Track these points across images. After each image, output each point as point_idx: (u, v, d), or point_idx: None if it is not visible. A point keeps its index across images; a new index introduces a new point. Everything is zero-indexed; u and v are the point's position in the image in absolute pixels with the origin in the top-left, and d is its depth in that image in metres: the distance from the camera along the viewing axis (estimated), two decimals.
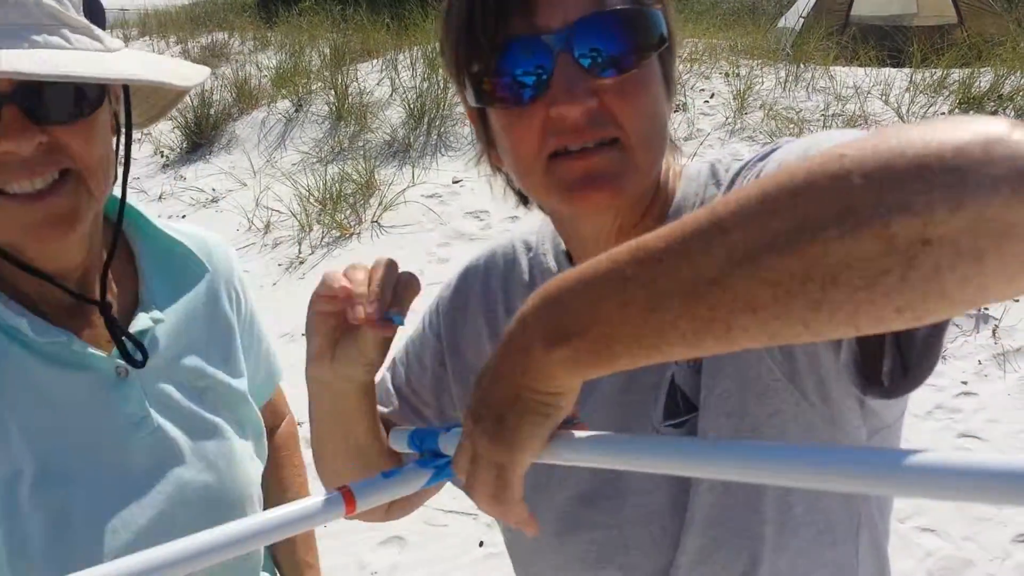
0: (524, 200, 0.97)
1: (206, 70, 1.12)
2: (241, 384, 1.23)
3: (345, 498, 0.74)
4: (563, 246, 1.00)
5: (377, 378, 1.09)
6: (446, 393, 1.09)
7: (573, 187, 0.81)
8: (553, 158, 0.80)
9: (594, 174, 0.80)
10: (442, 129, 7.64)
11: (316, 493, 0.77)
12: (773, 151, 0.81)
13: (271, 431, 1.40)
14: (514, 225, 5.84)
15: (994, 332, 4.31)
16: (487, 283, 1.06)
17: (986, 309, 4.45)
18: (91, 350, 1.05)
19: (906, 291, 0.46)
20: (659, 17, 0.80)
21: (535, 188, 0.85)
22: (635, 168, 0.81)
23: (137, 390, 1.07)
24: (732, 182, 0.87)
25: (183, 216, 7.20)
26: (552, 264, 0.99)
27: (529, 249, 1.04)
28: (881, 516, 0.91)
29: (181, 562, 0.65)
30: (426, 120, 7.76)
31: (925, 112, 6.59)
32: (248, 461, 1.20)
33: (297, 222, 6.50)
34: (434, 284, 4.54)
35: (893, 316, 0.47)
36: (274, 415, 1.46)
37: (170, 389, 1.12)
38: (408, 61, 9.14)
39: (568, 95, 0.76)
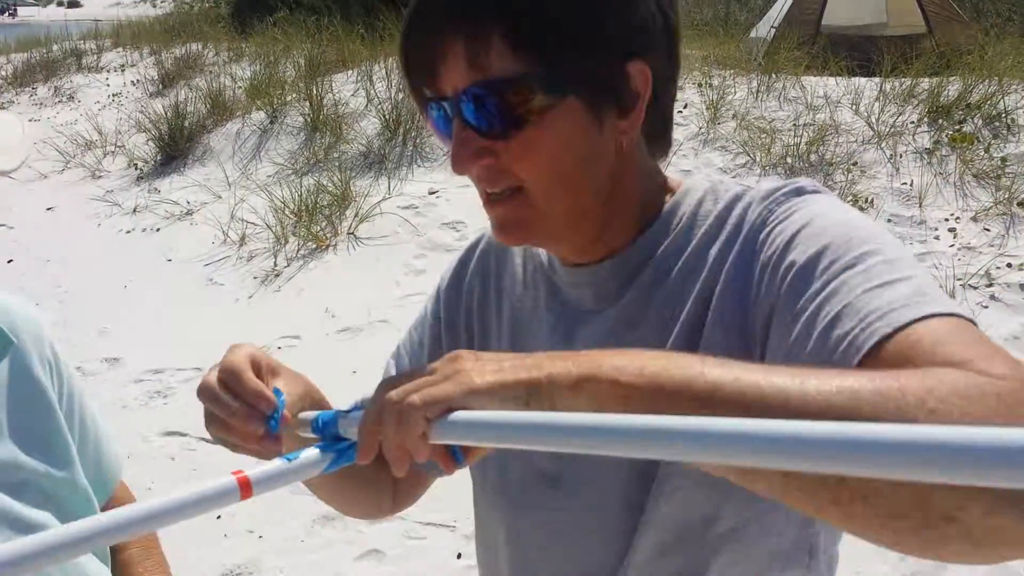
0: None
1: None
2: (69, 473, 1.09)
3: (240, 484, 0.71)
4: None
5: (383, 366, 1.14)
6: None
7: (495, 230, 0.91)
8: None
9: (501, 222, 0.89)
10: (418, 140, 7.65)
11: None
12: (789, 196, 0.84)
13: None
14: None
15: None
16: (484, 261, 1.10)
17: None
18: None
19: (908, 538, 0.56)
20: (557, 75, 0.81)
21: None
22: (542, 213, 0.87)
23: None
24: (731, 205, 0.90)
25: (157, 229, 7.16)
26: (542, 254, 1.03)
27: None
28: (833, 542, 0.94)
29: (66, 547, 0.64)
30: (402, 131, 7.77)
31: (895, 121, 6.67)
32: (87, 563, 1.07)
33: (272, 234, 6.48)
34: (411, 295, 4.57)
35: (890, 543, 0.57)
36: None
37: None
38: (383, 72, 9.15)
39: (460, 158, 0.84)
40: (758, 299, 0.81)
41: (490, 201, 0.88)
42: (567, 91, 0.82)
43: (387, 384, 0.73)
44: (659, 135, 0.94)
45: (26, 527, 0.99)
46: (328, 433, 0.80)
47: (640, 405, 0.62)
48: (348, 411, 0.80)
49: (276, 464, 0.75)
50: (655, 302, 0.90)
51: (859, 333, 0.67)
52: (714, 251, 0.88)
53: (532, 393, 0.67)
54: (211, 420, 0.86)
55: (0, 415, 1.03)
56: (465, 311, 1.10)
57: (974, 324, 0.67)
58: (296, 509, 3.57)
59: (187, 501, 0.69)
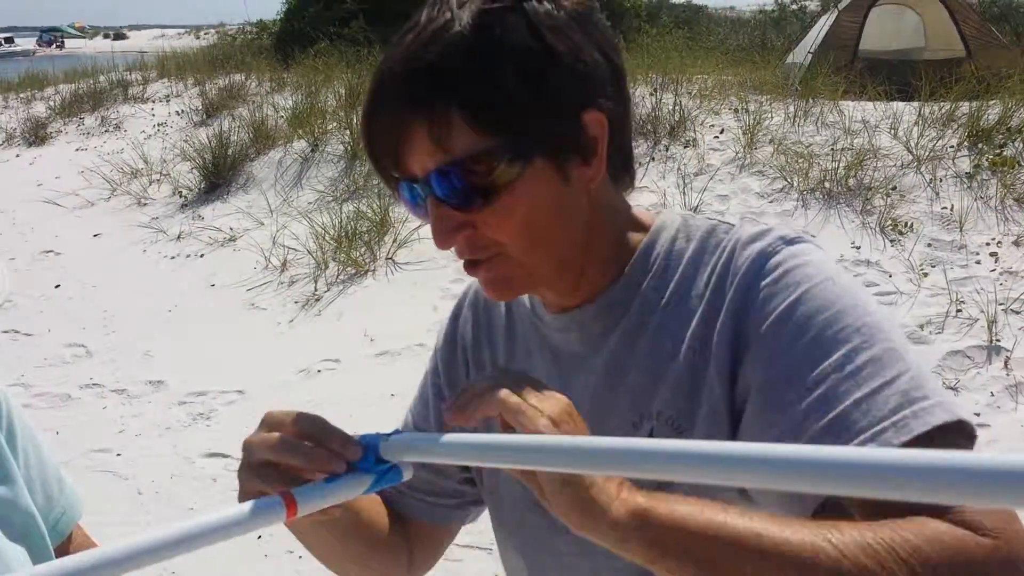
0: None
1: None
2: (11, 492, 1.10)
3: (286, 502, 0.73)
4: None
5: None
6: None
7: (484, 289, 0.93)
8: None
9: (488, 282, 0.91)
10: None
11: None
12: (776, 247, 0.87)
13: None
14: None
15: (1006, 363, 4.33)
16: (475, 314, 1.13)
17: (998, 340, 4.47)
18: None
19: None
20: (520, 144, 0.83)
21: None
22: (523, 269, 0.90)
23: None
24: (705, 243, 0.93)
25: (201, 255, 7.30)
26: (526, 302, 1.07)
27: None
28: None
29: (110, 565, 0.65)
30: None
31: (934, 145, 6.63)
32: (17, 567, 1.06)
33: (313, 260, 6.59)
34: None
35: None
36: None
37: None
38: None
39: (439, 234, 0.86)
40: (746, 371, 0.84)
41: (472, 265, 0.90)
42: (531, 155, 0.84)
43: (505, 376, 0.78)
44: (622, 171, 0.95)
45: None
46: (370, 455, 0.81)
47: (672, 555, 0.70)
48: (389, 434, 0.82)
49: (320, 485, 0.77)
50: (642, 347, 0.93)
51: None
52: (698, 294, 0.90)
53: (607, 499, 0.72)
54: (263, 471, 0.82)
55: None
56: (463, 365, 1.13)
57: (972, 432, 0.75)
58: None
59: (234, 519, 0.71)
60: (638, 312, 0.94)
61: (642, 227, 0.98)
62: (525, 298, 1.06)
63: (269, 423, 0.85)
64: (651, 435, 0.89)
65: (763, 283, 0.85)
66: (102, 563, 0.65)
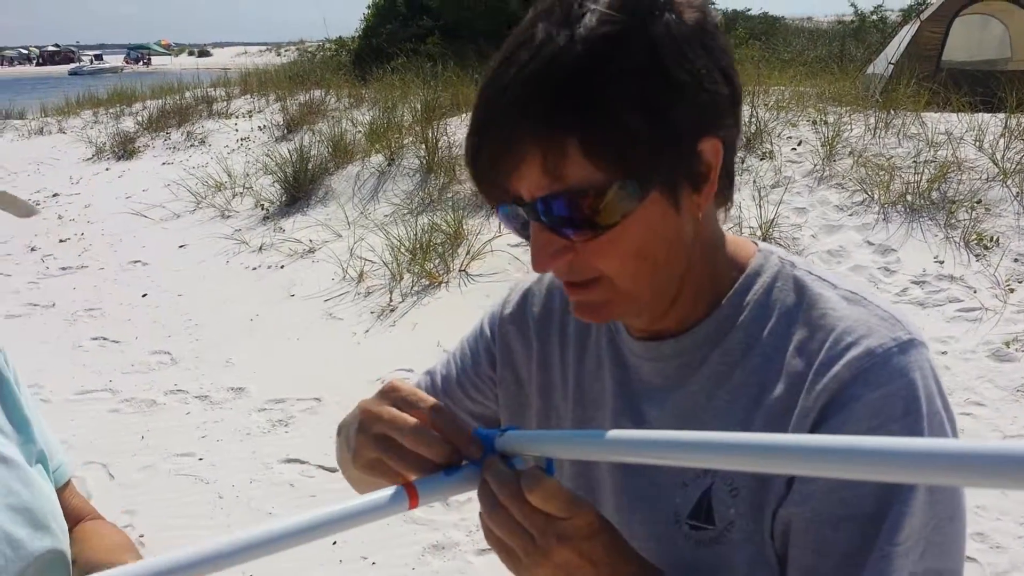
0: None
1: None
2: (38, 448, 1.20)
3: (408, 493, 0.78)
4: None
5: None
6: (492, 397, 1.15)
7: (574, 309, 0.90)
8: None
9: (582, 305, 0.88)
10: None
11: None
12: (887, 416, 0.80)
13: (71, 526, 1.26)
14: None
15: None
16: (548, 307, 1.11)
17: None
18: None
19: None
20: (636, 180, 0.79)
21: None
22: (622, 296, 0.87)
23: None
24: (798, 307, 0.90)
25: (281, 266, 7.48)
26: None
27: (562, 291, 1.10)
28: None
29: (242, 552, 0.69)
30: None
31: (1021, 158, 6.44)
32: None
33: (388, 271, 6.70)
34: None
35: None
36: (73, 513, 1.29)
37: None
38: None
39: (540, 260, 0.83)
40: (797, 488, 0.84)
41: (569, 284, 0.87)
42: (647, 191, 0.80)
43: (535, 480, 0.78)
44: (725, 191, 0.90)
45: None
46: (484, 451, 0.85)
47: None
48: (504, 430, 0.84)
49: (440, 478, 0.82)
50: (719, 399, 0.90)
51: None
52: (786, 362, 0.87)
53: None
54: (384, 444, 0.86)
55: None
56: (526, 355, 1.11)
57: None
58: (408, 538, 3.66)
59: (361, 509, 0.75)
60: (719, 360, 0.91)
61: (738, 264, 0.94)
62: None
63: (396, 399, 0.88)
64: (708, 491, 0.88)
65: (858, 393, 0.80)
66: (231, 551, 0.69)
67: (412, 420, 0.85)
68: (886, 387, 0.78)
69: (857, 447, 0.50)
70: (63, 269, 8.19)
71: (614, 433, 0.71)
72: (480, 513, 0.81)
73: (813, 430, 0.81)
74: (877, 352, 0.80)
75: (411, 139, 9.32)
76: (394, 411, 0.86)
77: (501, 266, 6.47)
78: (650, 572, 0.83)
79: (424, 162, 8.69)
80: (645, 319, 0.94)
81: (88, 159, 12.95)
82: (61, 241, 9.05)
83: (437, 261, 6.68)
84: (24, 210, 1.26)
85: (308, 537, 0.72)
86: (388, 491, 0.77)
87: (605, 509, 0.94)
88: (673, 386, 0.94)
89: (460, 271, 6.56)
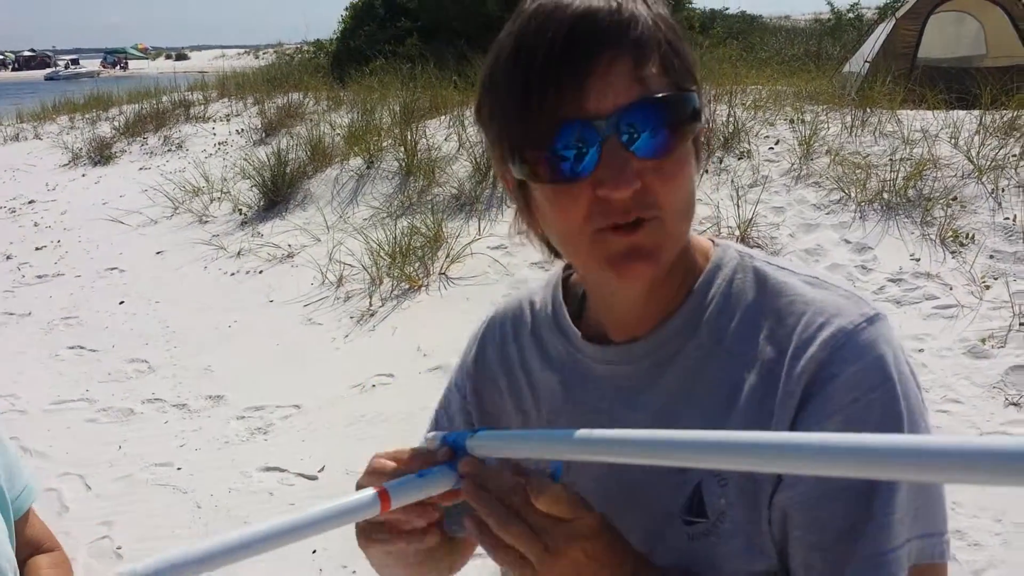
0: (558, 255, 1.02)
1: None
2: None
3: (380, 497, 0.79)
4: (560, 298, 1.08)
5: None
6: None
7: (617, 260, 0.85)
8: (598, 232, 0.85)
9: (638, 248, 0.84)
10: None
11: None
12: (852, 336, 0.84)
13: (25, 558, 1.28)
14: None
15: None
16: (504, 345, 1.12)
17: None
18: None
19: None
20: (694, 99, 0.85)
21: (580, 258, 0.90)
22: (672, 240, 0.86)
23: None
24: (762, 293, 0.92)
25: (260, 271, 7.44)
26: (549, 315, 1.08)
27: (533, 305, 1.12)
28: None
29: (217, 557, 0.69)
30: (492, 174, 7.92)
31: (996, 154, 6.49)
32: None
33: (368, 275, 6.67)
34: None
35: None
36: (30, 543, 1.29)
37: None
38: (474, 116, 9.34)
39: (615, 179, 0.80)
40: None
41: (630, 228, 0.83)
42: (698, 120, 0.85)
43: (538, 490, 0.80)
44: None
45: None
46: (457, 452, 0.87)
47: None
48: (475, 431, 0.86)
49: (411, 479, 0.83)
50: (698, 393, 0.92)
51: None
52: (762, 349, 0.89)
53: None
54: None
55: None
56: (496, 394, 1.13)
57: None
58: None
59: (331, 512, 0.75)
60: (694, 355, 0.93)
61: (702, 252, 0.97)
62: (551, 314, 1.07)
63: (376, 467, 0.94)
64: (699, 485, 0.89)
65: (837, 370, 0.83)
66: (205, 556, 0.69)
67: (392, 464, 0.91)
68: (861, 361, 0.82)
69: (837, 445, 0.51)
70: (39, 277, 8.11)
71: (585, 432, 0.72)
72: (478, 529, 0.83)
73: (797, 412, 0.84)
74: (848, 329, 0.84)
75: (390, 142, 9.30)
76: (377, 463, 0.93)
77: (481, 269, 6.46)
78: (651, 569, 0.86)
79: (403, 165, 8.66)
80: (636, 303, 0.95)
81: (64, 165, 12.85)
82: (37, 249, 8.97)
83: (417, 265, 6.66)
84: None
85: (282, 541, 0.72)
86: (362, 494, 0.78)
87: (597, 508, 0.94)
88: (644, 386, 0.95)
89: (440, 274, 6.54)
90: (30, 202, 10.91)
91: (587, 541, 0.80)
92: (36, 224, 9.89)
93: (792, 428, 0.84)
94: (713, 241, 0.99)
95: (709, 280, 0.94)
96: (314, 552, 3.63)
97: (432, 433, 0.94)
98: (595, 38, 0.81)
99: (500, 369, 1.12)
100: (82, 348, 6.29)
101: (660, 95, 0.81)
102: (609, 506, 0.89)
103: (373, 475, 0.90)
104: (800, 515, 0.83)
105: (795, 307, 0.88)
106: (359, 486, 0.90)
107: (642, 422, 0.94)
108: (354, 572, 3.54)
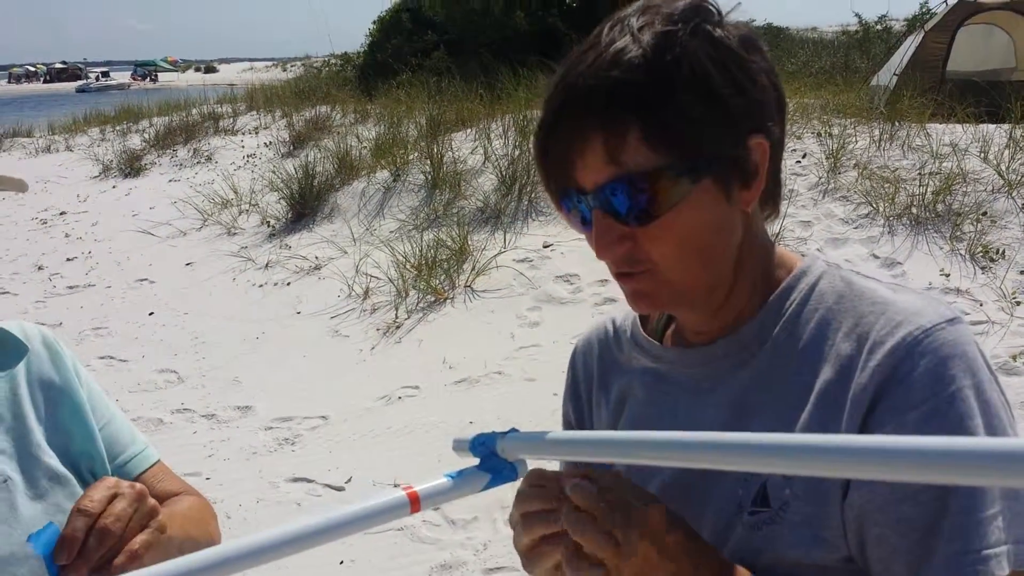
0: None
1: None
2: (92, 449, 1.27)
3: (411, 498, 0.78)
4: (636, 316, 1.13)
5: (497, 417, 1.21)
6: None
7: (628, 297, 0.96)
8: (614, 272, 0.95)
9: (636, 292, 0.94)
10: (532, 195, 7.80)
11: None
12: (943, 379, 0.83)
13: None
14: (603, 288, 5.91)
15: None
16: (586, 364, 1.18)
17: None
18: None
19: None
20: (691, 164, 0.86)
21: None
22: (672, 287, 0.93)
23: None
24: (843, 299, 0.94)
25: (288, 283, 7.49)
26: (628, 331, 1.13)
27: (615, 322, 1.17)
28: None
29: (243, 558, 0.69)
30: (517, 187, 7.94)
31: None
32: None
33: (394, 288, 6.70)
34: (525, 347, 4.65)
35: None
36: (160, 492, 1.34)
37: None
38: (500, 130, 9.39)
39: (601, 246, 0.90)
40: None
41: (621, 275, 0.94)
42: (700, 177, 0.87)
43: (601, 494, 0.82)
44: (772, 197, 0.98)
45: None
46: (486, 454, 0.86)
47: None
48: (506, 433, 0.86)
49: (442, 481, 0.82)
50: (773, 391, 0.93)
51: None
52: (836, 348, 0.90)
53: None
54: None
55: (27, 406, 1.22)
56: (588, 413, 1.18)
57: None
58: (415, 557, 3.66)
59: (362, 514, 0.76)
60: (770, 354, 0.95)
61: (786, 266, 1.00)
62: (629, 333, 1.12)
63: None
64: (765, 484, 0.91)
65: (915, 365, 0.84)
66: (235, 556, 0.69)
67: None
68: (941, 356, 0.83)
69: (896, 447, 0.49)
70: (70, 288, 8.22)
71: (617, 434, 0.73)
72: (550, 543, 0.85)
73: (870, 408, 0.84)
74: (926, 327, 0.85)
75: (416, 155, 9.35)
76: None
77: (506, 282, 6.47)
78: (725, 567, 0.87)
79: (429, 178, 8.71)
80: (698, 317, 1.00)
81: (95, 177, 13.02)
82: (68, 260, 9.09)
83: (442, 277, 6.69)
84: (17, 185, 1.29)
85: (312, 542, 0.73)
86: (391, 496, 0.79)
87: (661, 482, 1.00)
88: (719, 386, 0.98)
89: (465, 287, 6.56)
90: (61, 213, 11.06)
91: (661, 534, 0.81)
92: (67, 235, 10.03)
93: (864, 424, 0.85)
94: (803, 254, 1.02)
95: (791, 286, 0.97)
96: (341, 563, 3.65)
97: (458, 437, 0.93)
98: (573, 116, 0.87)
99: (589, 389, 1.17)
100: (112, 358, 6.36)
101: (630, 174, 0.85)
102: (677, 504, 0.92)
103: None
104: (878, 515, 0.83)
105: (876, 307, 0.90)
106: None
107: (713, 420, 0.97)
108: None
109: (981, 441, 0.45)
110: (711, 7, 0.89)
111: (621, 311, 1.18)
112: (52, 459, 1.20)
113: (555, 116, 0.89)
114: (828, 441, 0.52)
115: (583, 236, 0.95)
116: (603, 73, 0.85)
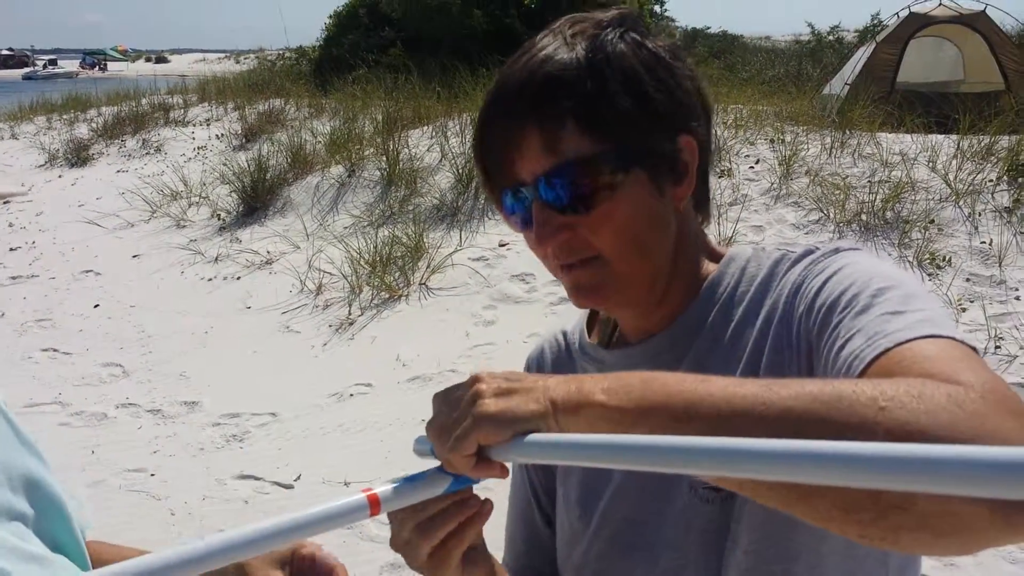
0: None
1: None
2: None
3: (370, 500, 0.77)
4: (584, 320, 1.16)
5: None
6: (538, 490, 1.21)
7: (571, 292, 0.99)
8: (558, 267, 0.97)
9: (580, 286, 0.97)
10: None
11: None
12: (826, 255, 0.90)
13: None
14: (558, 287, 5.91)
15: None
16: (540, 371, 1.18)
17: None
18: None
19: (870, 529, 0.59)
20: (625, 152, 0.91)
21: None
22: (617, 277, 0.95)
23: None
24: (773, 270, 0.97)
25: (238, 278, 7.38)
26: (576, 342, 1.15)
27: (566, 334, 1.19)
28: None
29: (201, 560, 0.67)
30: (474, 184, 7.92)
31: (973, 179, 6.57)
32: None
33: (348, 284, 6.64)
34: (480, 346, 4.62)
35: (855, 536, 0.61)
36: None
37: None
38: (457, 127, 9.35)
39: (538, 235, 0.93)
40: (798, 345, 0.88)
41: (564, 268, 0.96)
42: (632, 166, 0.91)
43: (435, 423, 0.83)
44: (703, 201, 1.03)
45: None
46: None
47: (627, 426, 0.69)
48: None
49: (401, 484, 0.81)
50: (713, 367, 0.94)
51: (864, 348, 0.74)
52: (762, 313, 0.94)
53: (542, 419, 0.74)
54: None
55: None
56: None
57: (974, 351, 0.71)
58: (366, 556, 3.61)
59: (320, 516, 0.74)
60: (708, 339, 0.98)
61: (716, 257, 1.05)
62: (577, 341, 1.13)
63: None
64: None
65: (808, 278, 0.89)
66: (187, 560, 0.67)
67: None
68: (829, 261, 0.89)
69: (849, 453, 0.49)
70: (13, 278, 8.01)
71: (586, 437, 0.71)
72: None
73: (794, 306, 0.89)
74: (824, 249, 0.92)
75: (372, 150, 9.27)
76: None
77: (462, 280, 6.45)
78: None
79: (385, 174, 8.64)
80: (637, 313, 1.02)
81: (40, 166, 12.72)
82: (11, 249, 8.87)
83: (397, 274, 6.64)
84: None
85: (267, 545, 0.71)
86: (351, 499, 0.77)
87: (615, 483, 1.02)
88: None
89: (420, 284, 6.52)
90: (5, 202, 10.78)
91: None
92: (11, 225, 9.78)
93: (793, 343, 0.88)
94: (730, 246, 1.07)
95: (721, 273, 1.01)
96: None
97: (420, 437, 0.91)
98: (508, 112, 0.92)
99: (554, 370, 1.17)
100: (55, 351, 6.21)
101: (568, 162, 0.89)
102: (630, 480, 0.96)
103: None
104: (823, 336, 0.83)
105: (779, 262, 0.97)
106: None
107: None
108: None
109: (924, 448, 0.45)
110: (639, 19, 0.97)
111: (571, 323, 1.20)
112: None
113: (492, 112, 0.94)
114: (820, 447, 0.51)
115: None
116: (537, 69, 0.90)
